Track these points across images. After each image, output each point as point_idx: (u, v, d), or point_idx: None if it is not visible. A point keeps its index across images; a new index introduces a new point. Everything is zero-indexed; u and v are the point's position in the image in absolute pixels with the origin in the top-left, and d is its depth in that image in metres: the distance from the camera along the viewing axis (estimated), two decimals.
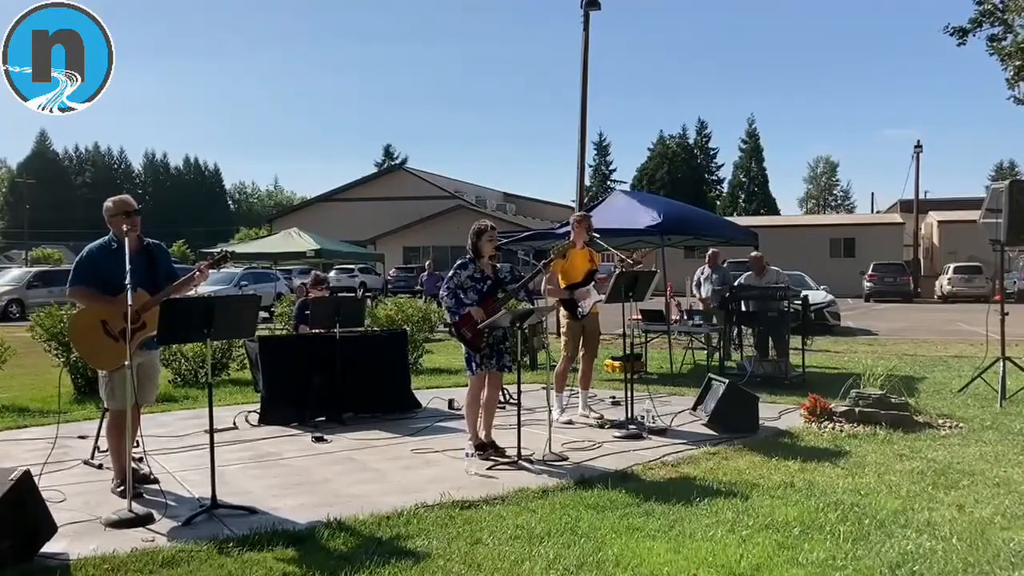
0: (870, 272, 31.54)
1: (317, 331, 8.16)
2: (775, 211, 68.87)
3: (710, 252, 12.54)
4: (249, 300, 5.49)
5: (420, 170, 54.81)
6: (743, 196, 72.86)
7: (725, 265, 12.79)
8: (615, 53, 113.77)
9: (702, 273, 12.52)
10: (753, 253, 11.47)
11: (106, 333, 4.95)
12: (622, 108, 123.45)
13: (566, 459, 6.03)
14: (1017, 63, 17.70)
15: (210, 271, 5.32)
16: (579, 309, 7.52)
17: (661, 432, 6.93)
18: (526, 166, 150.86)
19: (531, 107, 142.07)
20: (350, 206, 50.12)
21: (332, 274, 32.84)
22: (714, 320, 11.30)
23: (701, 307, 12.28)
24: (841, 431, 6.83)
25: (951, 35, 19.10)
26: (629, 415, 7.04)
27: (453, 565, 3.92)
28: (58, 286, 23.25)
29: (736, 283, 11.28)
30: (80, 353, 5.07)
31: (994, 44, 18.45)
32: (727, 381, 7.30)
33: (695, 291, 12.75)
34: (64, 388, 8.74)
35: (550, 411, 6.55)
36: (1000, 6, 18.15)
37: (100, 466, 5.77)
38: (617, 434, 6.88)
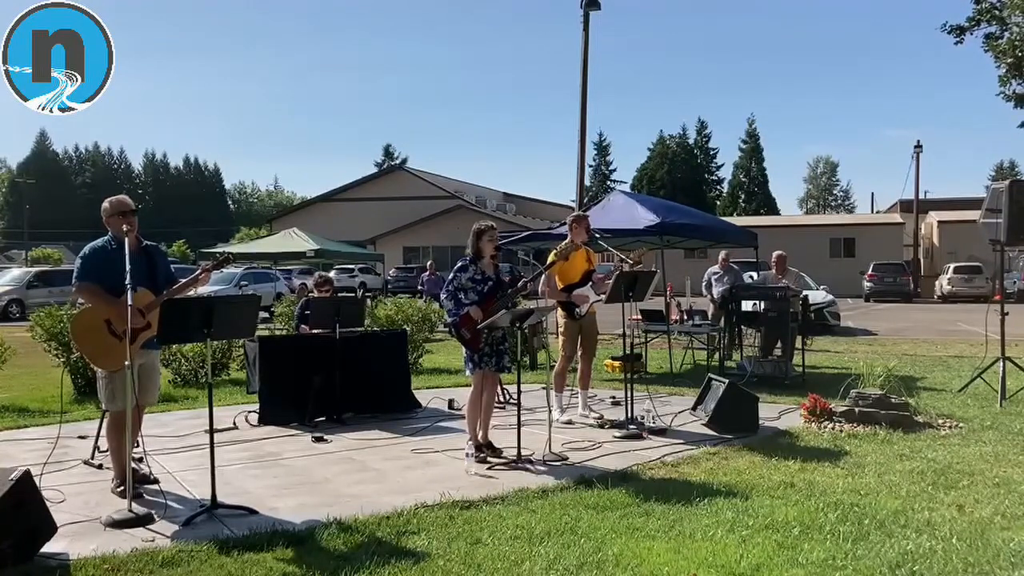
0: (870, 272, 31.51)
1: (317, 331, 8.15)
2: (775, 211, 68.81)
3: (723, 254, 12.56)
4: (249, 300, 5.50)
5: (420, 170, 54.80)
6: (743, 196, 72.76)
7: (735, 267, 12.80)
8: (615, 53, 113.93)
9: (713, 274, 12.52)
10: (777, 253, 11.40)
11: (110, 333, 4.94)
12: (622, 108, 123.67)
13: (566, 459, 6.03)
14: (1009, 60, 17.79)
15: (212, 273, 5.36)
16: (576, 309, 7.52)
17: (661, 432, 6.93)
18: (526, 166, 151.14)
19: (531, 107, 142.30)
20: (350, 206, 50.12)
21: (332, 274, 32.80)
22: (722, 321, 11.27)
23: (711, 308, 12.26)
24: (841, 431, 6.83)
25: (949, 33, 19.18)
26: (629, 415, 7.04)
27: (453, 565, 3.92)
28: (58, 286, 23.29)
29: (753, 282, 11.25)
30: (83, 353, 5.07)
31: (990, 42, 18.54)
32: (727, 381, 7.29)
33: (704, 291, 12.74)
34: (64, 388, 8.75)
35: (550, 411, 6.55)
36: (997, 4, 18.24)
37: (100, 466, 5.78)
38: (617, 434, 6.88)
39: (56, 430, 6.24)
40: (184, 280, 5.23)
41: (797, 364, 9.80)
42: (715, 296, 12.23)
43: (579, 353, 7.75)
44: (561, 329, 7.72)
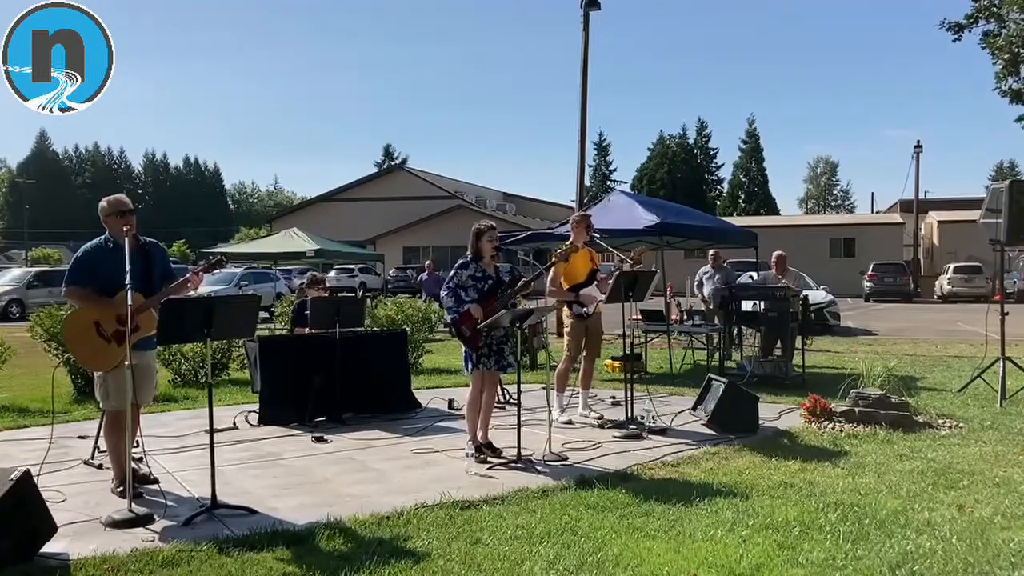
0: (870, 272, 31.51)
1: (314, 331, 8.14)
2: (775, 211, 68.76)
3: (712, 252, 12.53)
4: (249, 300, 5.50)
5: (420, 170, 54.78)
6: (743, 196, 72.68)
7: (727, 265, 12.79)
8: (615, 53, 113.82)
9: (704, 273, 12.51)
10: (777, 253, 11.36)
11: (99, 335, 4.94)
12: (622, 108, 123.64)
13: (566, 459, 6.03)
14: (1006, 56, 17.85)
15: (204, 275, 5.32)
16: (583, 309, 7.52)
17: (661, 432, 6.93)
18: (526, 166, 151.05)
19: (531, 107, 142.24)
20: (350, 206, 50.11)
21: (332, 274, 32.86)
22: (716, 320, 11.28)
23: (702, 307, 12.26)
24: (841, 431, 6.83)
25: (947, 30, 19.19)
26: (629, 415, 7.04)
27: (453, 565, 3.92)
28: (58, 286, 23.01)
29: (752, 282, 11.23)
30: (74, 355, 5.05)
31: (988, 39, 18.58)
32: (727, 381, 7.29)
33: (696, 291, 12.73)
34: (64, 388, 8.76)
35: (550, 411, 6.55)
36: (996, 2, 18.29)
37: (100, 466, 5.78)
38: (617, 434, 6.88)
39: (57, 430, 6.24)
40: (175, 283, 5.19)
41: (797, 364, 9.80)
42: (706, 295, 12.23)
43: (582, 353, 7.76)
44: (567, 329, 7.72)
